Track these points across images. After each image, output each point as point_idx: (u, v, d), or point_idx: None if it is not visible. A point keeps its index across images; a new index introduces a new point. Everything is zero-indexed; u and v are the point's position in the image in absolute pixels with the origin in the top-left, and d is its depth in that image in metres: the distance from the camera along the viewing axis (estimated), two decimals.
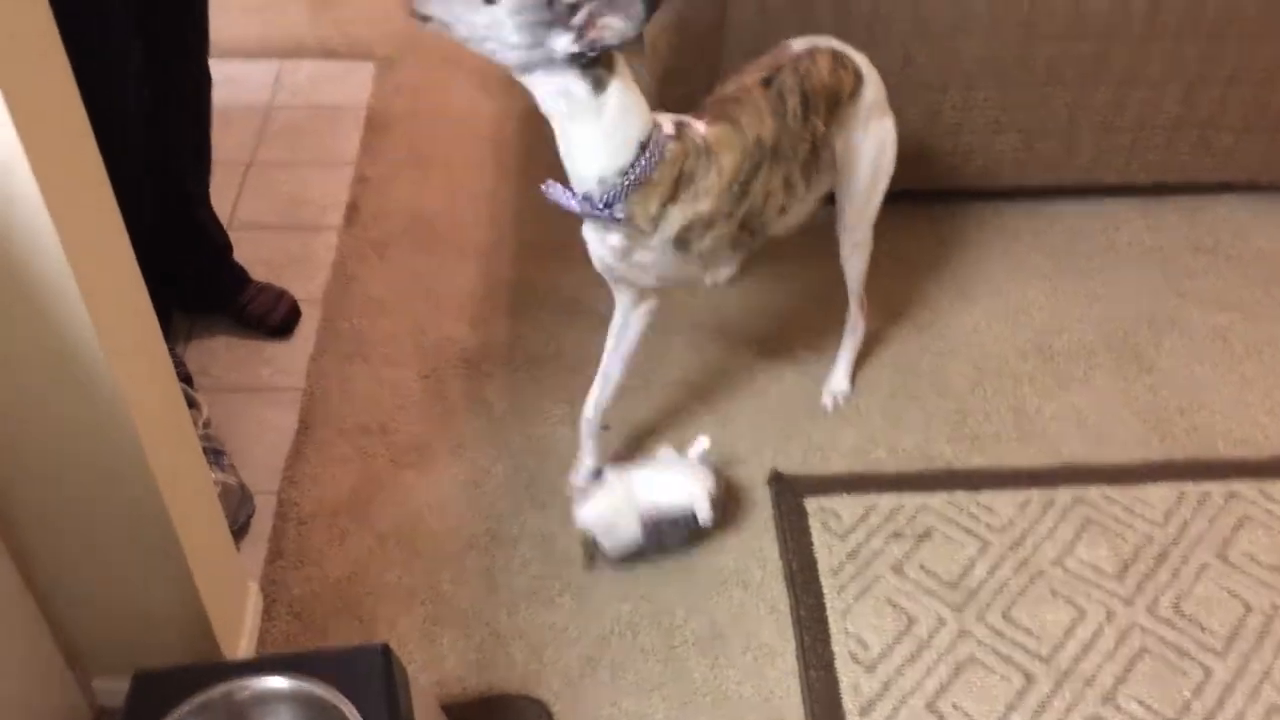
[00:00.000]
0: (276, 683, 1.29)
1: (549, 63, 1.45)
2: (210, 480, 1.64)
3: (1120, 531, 1.92)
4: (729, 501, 1.91)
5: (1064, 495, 1.97)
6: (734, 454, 2.02)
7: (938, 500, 1.96)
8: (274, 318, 2.23)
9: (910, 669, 1.72)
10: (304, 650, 1.69)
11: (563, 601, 1.81)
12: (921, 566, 1.86)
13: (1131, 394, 2.18)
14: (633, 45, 1.46)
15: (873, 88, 1.84)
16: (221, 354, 2.21)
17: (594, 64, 1.47)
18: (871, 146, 1.86)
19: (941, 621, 1.78)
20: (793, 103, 1.71)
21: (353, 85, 2.94)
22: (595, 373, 1.89)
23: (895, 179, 1.93)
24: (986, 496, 1.97)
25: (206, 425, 1.93)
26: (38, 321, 1.18)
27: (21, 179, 1.07)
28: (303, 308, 2.27)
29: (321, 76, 2.97)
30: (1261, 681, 1.71)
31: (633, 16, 1.40)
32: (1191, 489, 1.99)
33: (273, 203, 2.57)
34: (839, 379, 2.15)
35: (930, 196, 2.55)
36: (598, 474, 1.93)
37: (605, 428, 1.97)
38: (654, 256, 1.67)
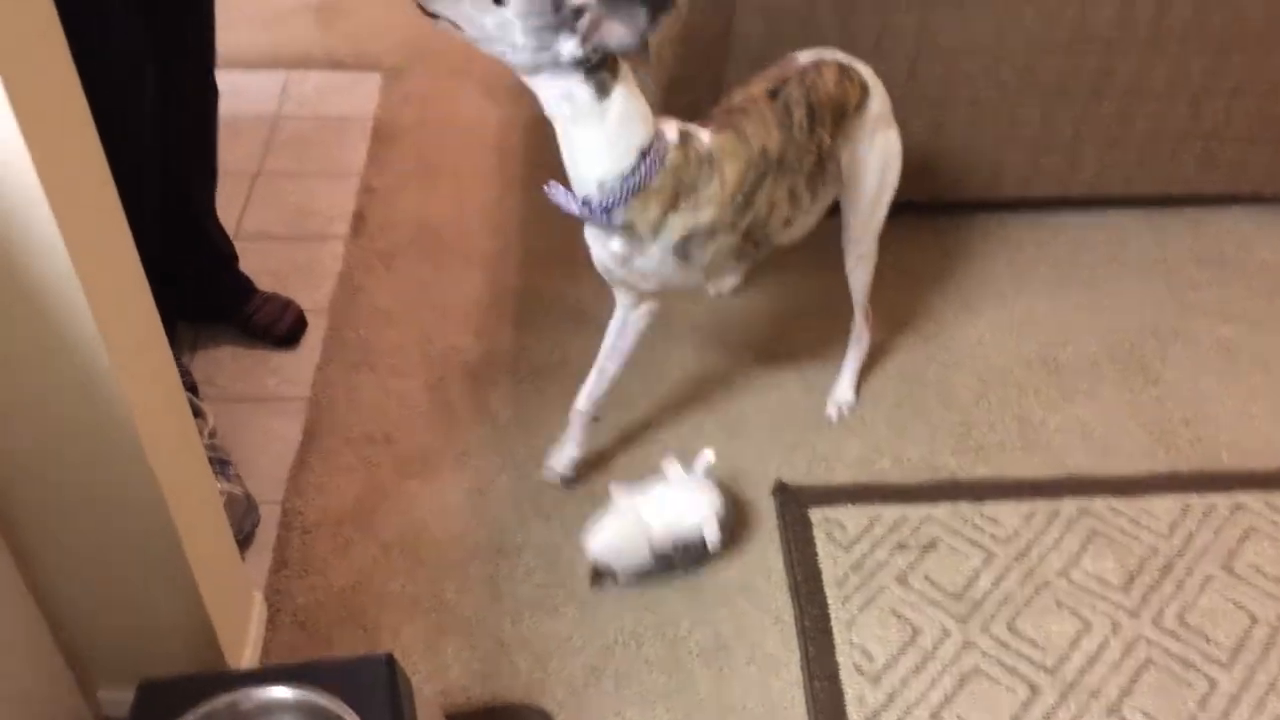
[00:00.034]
0: (281, 693, 1.29)
1: (554, 66, 1.48)
2: (216, 490, 1.64)
3: (1125, 543, 1.92)
4: (734, 513, 1.91)
5: (1069, 506, 1.97)
6: (738, 464, 2.02)
7: (942, 511, 1.96)
8: (280, 328, 2.23)
9: (915, 680, 1.72)
10: (308, 660, 1.69)
11: (567, 611, 1.81)
12: (926, 577, 1.86)
13: (1136, 405, 2.18)
14: (639, 53, 1.48)
15: (878, 100, 1.84)
16: (227, 364, 2.21)
17: (599, 69, 1.49)
18: (877, 159, 1.87)
19: (946, 633, 1.78)
20: (798, 114, 1.71)
21: (360, 96, 2.95)
22: (600, 372, 1.91)
23: (900, 190, 1.93)
24: (991, 507, 1.97)
25: (212, 435, 1.94)
26: (40, 324, 1.17)
27: (25, 182, 1.07)
28: (309, 318, 2.28)
29: (328, 87, 2.99)
30: (1267, 693, 1.71)
31: (634, 24, 1.43)
32: (1197, 500, 1.99)
33: (279, 213, 2.58)
34: (844, 389, 2.15)
35: (935, 208, 2.56)
36: (576, 464, 1.98)
37: (596, 419, 1.98)
38: (655, 264, 1.67)
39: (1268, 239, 2.56)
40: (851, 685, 1.71)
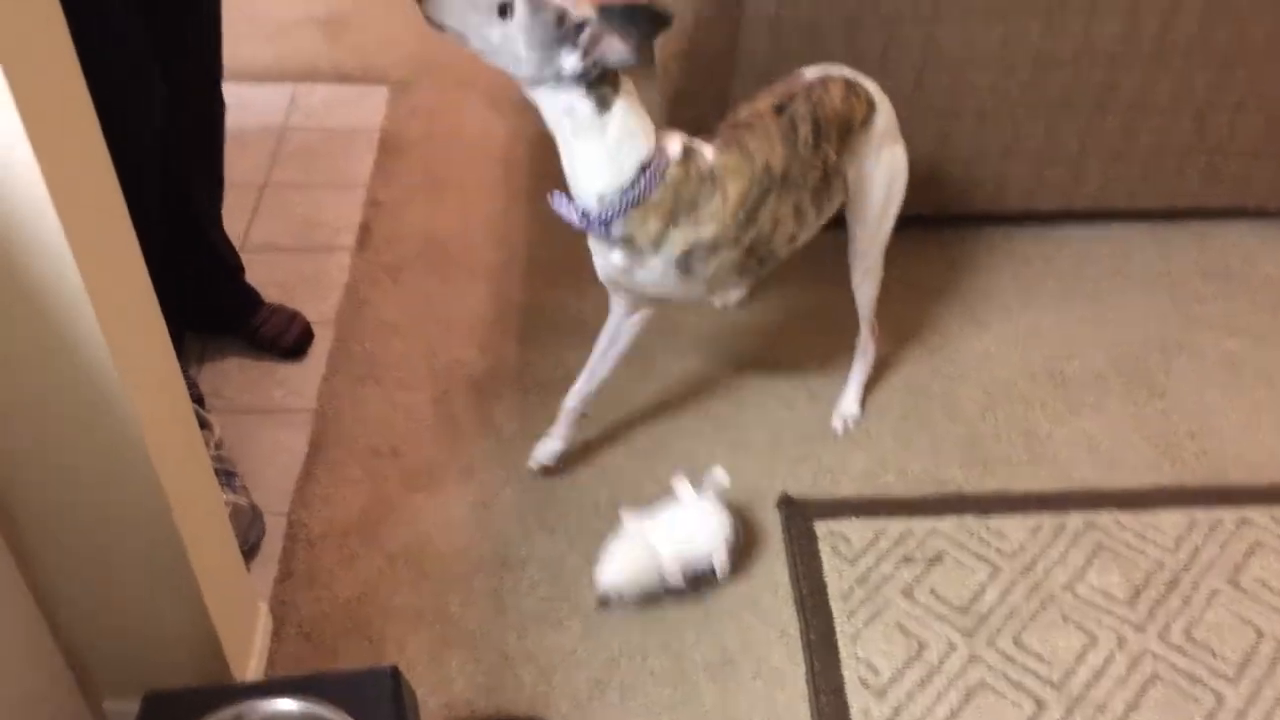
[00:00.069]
0: (286, 705, 1.29)
1: (557, 79, 1.51)
2: (221, 501, 1.64)
3: (1132, 557, 1.91)
4: (744, 535, 1.91)
5: (1075, 520, 1.97)
6: (743, 477, 2.01)
7: (948, 524, 1.96)
8: (287, 340, 2.24)
9: (920, 694, 1.71)
10: (313, 672, 1.69)
11: (571, 624, 1.81)
12: (932, 591, 1.85)
13: (1142, 419, 2.17)
14: (645, 67, 1.50)
15: (884, 115, 1.85)
16: (234, 376, 2.22)
17: (600, 84, 1.51)
18: (883, 174, 1.87)
19: (952, 646, 1.78)
20: (804, 130, 1.72)
21: (367, 109, 2.96)
22: (591, 373, 1.93)
23: (906, 204, 1.94)
24: (997, 521, 1.97)
25: (219, 446, 1.94)
26: (46, 333, 1.17)
27: (31, 185, 1.06)
28: (315, 330, 2.28)
29: (336, 100, 3.00)
30: (1274, 708, 1.70)
31: (630, 41, 1.47)
32: (1203, 515, 1.98)
33: (286, 225, 2.58)
34: (849, 402, 2.15)
35: (940, 222, 2.56)
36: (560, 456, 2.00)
37: (584, 415, 2.00)
38: (656, 277, 1.69)
39: (1272, 253, 2.56)
40: (857, 699, 1.70)
